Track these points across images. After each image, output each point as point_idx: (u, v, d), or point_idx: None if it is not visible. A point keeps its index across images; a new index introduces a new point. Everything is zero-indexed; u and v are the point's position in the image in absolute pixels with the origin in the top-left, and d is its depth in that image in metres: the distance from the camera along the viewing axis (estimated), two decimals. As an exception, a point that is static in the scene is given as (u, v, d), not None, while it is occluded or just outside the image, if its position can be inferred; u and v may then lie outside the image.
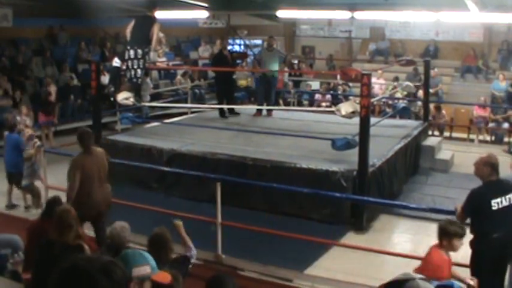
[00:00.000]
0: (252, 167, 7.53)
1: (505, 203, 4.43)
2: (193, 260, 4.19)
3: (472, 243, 4.49)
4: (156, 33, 8.50)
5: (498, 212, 4.39)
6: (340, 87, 14.99)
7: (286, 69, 12.72)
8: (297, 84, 15.38)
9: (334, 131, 8.40)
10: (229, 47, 13.25)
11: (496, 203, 4.40)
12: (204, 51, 16.79)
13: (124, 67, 8.58)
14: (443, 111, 12.75)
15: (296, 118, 10.60)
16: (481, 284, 4.37)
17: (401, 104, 13.17)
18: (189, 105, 12.50)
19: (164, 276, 2.83)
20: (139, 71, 8.54)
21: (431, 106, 12.47)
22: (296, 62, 16.24)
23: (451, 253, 4.30)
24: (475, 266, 4.49)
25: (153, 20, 8.55)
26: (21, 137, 7.76)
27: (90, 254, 3.72)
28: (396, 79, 13.86)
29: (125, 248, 4.24)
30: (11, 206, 7.68)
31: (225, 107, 10.55)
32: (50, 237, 3.93)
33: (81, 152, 5.63)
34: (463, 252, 4.69)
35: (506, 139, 12.20)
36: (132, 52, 8.40)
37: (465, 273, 4.64)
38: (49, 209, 4.69)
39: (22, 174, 7.56)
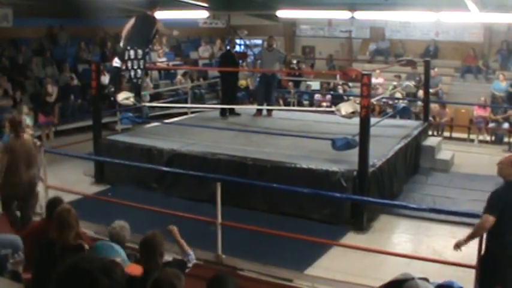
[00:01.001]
0: (252, 167, 7.53)
1: None
2: (190, 265, 4.14)
3: (488, 243, 4.45)
4: (165, 31, 8.56)
5: None
6: (340, 87, 14.98)
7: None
8: (296, 84, 15.37)
9: (334, 131, 8.40)
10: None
11: None
12: (204, 51, 16.78)
13: (124, 67, 8.58)
14: (447, 110, 12.79)
15: (296, 118, 10.60)
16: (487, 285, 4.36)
17: (402, 104, 13.16)
18: (189, 105, 12.50)
19: (135, 268, 2.83)
20: (139, 71, 8.54)
21: (436, 104, 12.51)
22: (294, 62, 16.07)
23: (449, 252, 4.30)
24: (487, 267, 4.45)
25: (153, 20, 8.54)
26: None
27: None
28: (398, 77, 13.86)
29: (125, 248, 4.25)
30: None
31: (226, 107, 10.56)
32: (50, 237, 3.93)
33: (11, 137, 6.31)
34: (463, 253, 4.69)
35: (506, 139, 12.20)
36: (132, 52, 8.40)
37: (466, 273, 4.65)
38: (50, 210, 4.67)
39: None
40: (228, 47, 11.20)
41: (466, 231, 4.77)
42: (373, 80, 11.37)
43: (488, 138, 12.41)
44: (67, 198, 6.47)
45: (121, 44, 8.57)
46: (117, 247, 2.72)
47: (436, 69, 13.97)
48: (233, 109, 10.75)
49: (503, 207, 4.35)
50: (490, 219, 4.35)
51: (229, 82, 10.81)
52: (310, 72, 16.31)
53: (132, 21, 8.51)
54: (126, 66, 8.48)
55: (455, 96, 14.33)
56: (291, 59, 13.94)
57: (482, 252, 4.56)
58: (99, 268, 1.66)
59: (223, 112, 10.53)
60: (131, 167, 8.08)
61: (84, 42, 14.46)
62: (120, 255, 2.64)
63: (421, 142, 9.67)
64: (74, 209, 4.08)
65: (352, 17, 14.29)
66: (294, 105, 13.71)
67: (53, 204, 4.67)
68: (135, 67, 8.45)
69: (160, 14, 9.06)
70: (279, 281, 5.59)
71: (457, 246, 4.62)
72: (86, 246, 3.93)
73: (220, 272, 4.83)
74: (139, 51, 8.39)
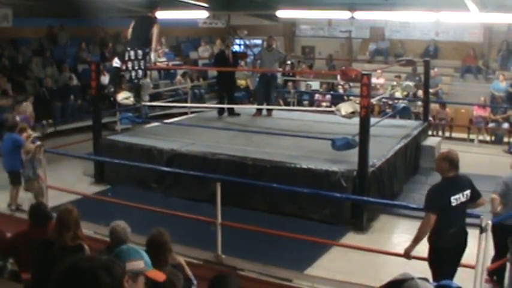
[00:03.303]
0: (252, 167, 7.53)
1: (463, 199, 4.52)
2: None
3: (430, 239, 4.55)
4: (156, 34, 8.50)
5: (456, 208, 4.47)
6: (340, 87, 14.95)
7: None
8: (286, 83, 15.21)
9: (334, 131, 8.39)
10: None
11: (455, 199, 4.48)
12: (204, 51, 16.79)
13: (124, 68, 8.58)
14: (447, 110, 12.79)
15: (296, 118, 10.60)
16: (441, 276, 4.40)
17: (402, 104, 13.16)
18: (189, 105, 12.51)
19: (159, 275, 2.84)
20: (139, 71, 8.54)
21: (436, 104, 12.52)
22: (288, 63, 15.46)
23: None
24: (435, 260, 4.56)
25: (153, 21, 8.55)
26: (21, 136, 7.74)
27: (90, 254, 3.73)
28: (398, 77, 13.85)
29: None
30: (16, 208, 7.65)
31: (225, 106, 10.56)
32: (50, 238, 3.93)
33: None
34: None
35: (506, 139, 12.20)
36: (132, 53, 8.40)
37: (466, 273, 4.65)
38: (31, 216, 4.52)
39: (19, 173, 7.54)
40: (223, 48, 11.21)
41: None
42: (373, 80, 11.37)
43: (488, 138, 12.41)
44: (67, 198, 6.51)
45: (128, 48, 8.58)
46: (141, 251, 2.73)
47: (436, 69, 13.98)
48: (233, 109, 10.76)
49: (443, 204, 4.44)
50: (432, 218, 4.44)
51: (225, 82, 10.85)
52: (306, 72, 16.24)
53: (132, 23, 8.56)
54: (127, 67, 8.48)
55: (455, 96, 14.33)
56: (286, 60, 13.79)
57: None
58: (99, 266, 1.67)
59: (220, 111, 10.54)
60: (131, 167, 8.08)
61: (84, 42, 14.45)
62: (143, 258, 2.66)
63: (421, 142, 9.67)
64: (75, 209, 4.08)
65: (352, 17, 14.27)
66: (294, 105, 13.70)
67: (35, 210, 4.56)
68: (136, 67, 8.46)
69: (160, 14, 9.08)
70: (279, 281, 5.60)
71: (407, 253, 4.67)
72: (86, 247, 3.93)
73: (222, 271, 4.83)
74: (140, 52, 8.39)
